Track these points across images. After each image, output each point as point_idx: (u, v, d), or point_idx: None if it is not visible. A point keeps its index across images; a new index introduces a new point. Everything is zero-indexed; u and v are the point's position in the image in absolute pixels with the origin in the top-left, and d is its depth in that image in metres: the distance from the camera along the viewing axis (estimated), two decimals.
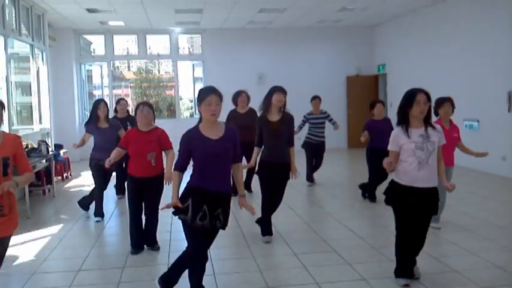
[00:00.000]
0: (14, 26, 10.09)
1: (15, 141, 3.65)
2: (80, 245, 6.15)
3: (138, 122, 5.56)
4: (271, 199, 6.00)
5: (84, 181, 11.10)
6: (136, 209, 5.70)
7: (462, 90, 9.67)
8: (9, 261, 5.54)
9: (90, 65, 16.82)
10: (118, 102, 8.91)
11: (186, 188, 3.96)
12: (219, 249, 5.71)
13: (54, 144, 11.83)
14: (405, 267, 4.48)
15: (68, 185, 10.75)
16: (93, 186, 7.49)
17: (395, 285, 4.50)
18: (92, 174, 7.38)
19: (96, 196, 7.35)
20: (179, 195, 3.93)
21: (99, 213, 7.32)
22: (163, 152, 5.62)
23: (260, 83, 15.80)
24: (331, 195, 8.78)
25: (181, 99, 17.02)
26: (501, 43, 10.10)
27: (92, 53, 16.79)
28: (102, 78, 16.55)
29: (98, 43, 16.25)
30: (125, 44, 17.50)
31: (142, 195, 5.65)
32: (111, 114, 8.27)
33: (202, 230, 3.87)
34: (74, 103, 14.94)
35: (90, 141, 7.47)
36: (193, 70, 17.15)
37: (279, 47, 15.95)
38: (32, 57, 11.24)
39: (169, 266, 4.34)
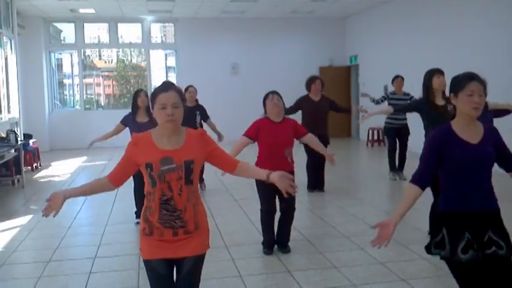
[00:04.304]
0: None
1: (200, 139, 2.98)
2: (50, 236, 6.07)
3: (268, 111, 5.16)
4: None
5: (54, 172, 10.96)
6: (272, 208, 5.22)
7: None
8: None
9: (60, 54, 16.57)
10: (186, 89, 8.11)
11: (434, 215, 3.18)
12: None
13: (23, 134, 11.63)
14: None
15: (37, 175, 10.59)
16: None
17: (365, 274, 4.58)
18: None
19: (137, 197, 6.42)
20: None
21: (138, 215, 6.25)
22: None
23: (233, 73, 15.79)
24: (303, 185, 8.80)
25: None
26: (472, 35, 10.26)
27: (62, 41, 16.50)
28: (72, 66, 16.31)
29: (68, 31, 15.98)
30: (95, 32, 17.24)
31: (276, 191, 4.89)
32: None
33: (471, 266, 2.91)
34: (44, 92, 14.69)
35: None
36: (166, 59, 17.01)
37: (252, 37, 15.92)
38: (0, 45, 10.99)
39: None
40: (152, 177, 2.83)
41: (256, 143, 5.21)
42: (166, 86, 2.91)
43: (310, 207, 7.22)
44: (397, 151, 9.09)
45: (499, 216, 3.01)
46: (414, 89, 9.01)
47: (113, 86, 19.29)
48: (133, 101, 6.61)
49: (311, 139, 5.34)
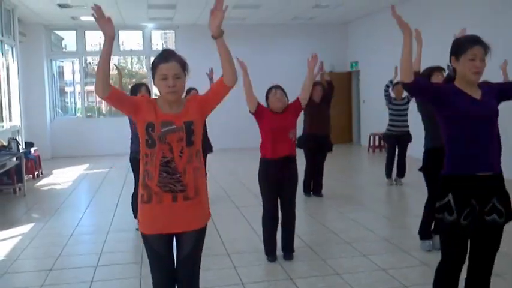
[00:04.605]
0: None
1: (195, 99, 2.99)
2: (52, 244, 6.06)
3: (270, 105, 5.07)
4: None
5: (55, 180, 10.96)
6: (275, 202, 5.11)
7: None
8: None
9: (62, 61, 16.60)
10: (188, 92, 7.88)
11: (441, 179, 3.05)
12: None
13: (25, 142, 11.64)
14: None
15: (39, 183, 10.59)
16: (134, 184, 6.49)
17: (367, 281, 4.57)
18: (133, 171, 6.27)
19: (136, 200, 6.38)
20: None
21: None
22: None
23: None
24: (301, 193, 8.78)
25: (155, 95, 16.93)
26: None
27: (64, 49, 16.54)
28: (73, 74, 16.34)
29: (69, 39, 16.02)
30: (97, 39, 17.27)
31: (279, 186, 5.05)
32: None
33: (465, 232, 2.96)
34: (45, 100, 14.71)
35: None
36: None
37: (253, 44, 15.94)
38: (2, 53, 11.03)
39: None
40: (152, 138, 2.77)
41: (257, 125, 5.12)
42: (167, 55, 2.85)
43: (311, 213, 7.21)
44: (396, 158, 8.99)
45: (502, 180, 3.00)
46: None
47: None
48: (133, 95, 6.29)
49: (303, 93, 5.15)
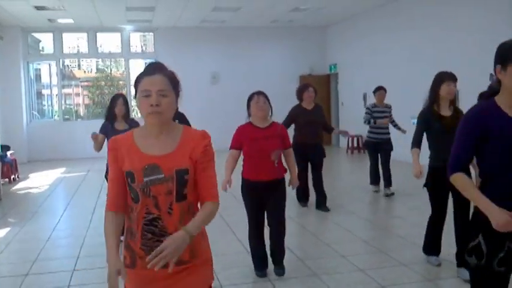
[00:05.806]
0: None
1: (199, 143, 2.26)
2: (28, 249, 5.97)
3: (252, 114, 4.57)
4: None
5: (32, 183, 10.81)
6: (259, 220, 4.71)
7: (411, 88, 9.89)
8: None
9: (39, 64, 16.39)
10: None
11: (473, 215, 2.56)
12: None
13: (1, 145, 11.45)
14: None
15: (15, 187, 10.44)
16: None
17: (346, 281, 4.59)
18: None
19: None
20: None
21: None
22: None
23: (214, 82, 15.80)
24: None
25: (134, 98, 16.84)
26: (451, 45, 10.39)
27: (41, 51, 16.35)
28: (50, 77, 16.15)
29: (46, 41, 15.85)
30: (75, 42, 17.13)
31: (263, 203, 4.64)
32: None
33: (503, 277, 2.48)
34: (22, 103, 14.51)
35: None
36: None
37: (232, 46, 15.96)
38: None
39: None
40: (133, 190, 2.18)
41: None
42: (152, 67, 2.26)
43: (291, 216, 7.19)
44: (380, 168, 8.51)
45: None
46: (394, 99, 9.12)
47: (88, 96, 19.03)
48: (109, 108, 5.87)
49: (289, 155, 4.77)
